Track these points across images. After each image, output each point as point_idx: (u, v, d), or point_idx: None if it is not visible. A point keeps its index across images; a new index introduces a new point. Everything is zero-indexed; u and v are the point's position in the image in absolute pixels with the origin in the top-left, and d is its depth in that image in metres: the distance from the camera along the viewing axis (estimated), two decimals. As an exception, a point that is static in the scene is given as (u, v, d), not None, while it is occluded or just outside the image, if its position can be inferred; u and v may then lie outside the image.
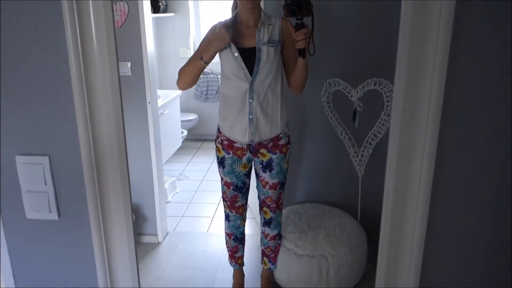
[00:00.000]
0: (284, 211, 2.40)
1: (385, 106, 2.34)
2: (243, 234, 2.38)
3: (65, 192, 1.10)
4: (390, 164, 1.00)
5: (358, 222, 2.65)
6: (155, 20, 4.77)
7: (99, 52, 0.98)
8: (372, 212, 2.64)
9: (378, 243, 1.08)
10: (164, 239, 3.08)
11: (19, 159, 1.06)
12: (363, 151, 2.52)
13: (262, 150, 2.08)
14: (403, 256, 1.05)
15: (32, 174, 1.06)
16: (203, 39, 2.00)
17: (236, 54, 1.90)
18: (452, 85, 0.92)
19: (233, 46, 1.91)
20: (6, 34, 0.99)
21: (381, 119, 2.39)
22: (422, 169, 0.97)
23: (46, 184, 1.07)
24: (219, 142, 2.12)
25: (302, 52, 1.87)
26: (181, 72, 1.99)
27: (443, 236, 1.03)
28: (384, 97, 2.31)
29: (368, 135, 2.47)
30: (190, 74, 1.98)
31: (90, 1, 0.95)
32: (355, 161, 2.58)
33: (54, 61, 1.00)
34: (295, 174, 2.81)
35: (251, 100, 1.96)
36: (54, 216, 1.10)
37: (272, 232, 2.31)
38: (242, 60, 1.91)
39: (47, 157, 1.06)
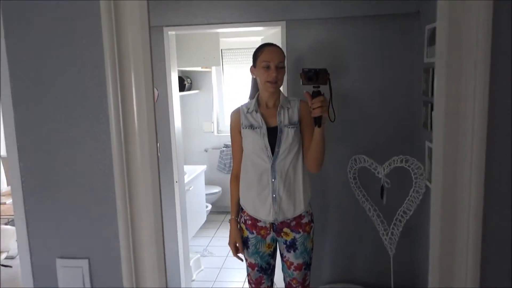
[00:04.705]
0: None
1: (413, 183, 2.31)
2: (270, 317, 2.29)
3: (102, 293, 1.09)
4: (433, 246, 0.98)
5: (393, 304, 2.52)
6: (180, 98, 4.97)
7: (142, 168, 1.02)
8: (408, 295, 2.53)
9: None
10: (190, 322, 2.98)
11: (59, 262, 1.07)
12: (393, 228, 2.46)
13: (285, 229, 2.06)
14: None
15: (71, 277, 1.07)
16: (230, 125, 2.14)
17: (264, 132, 1.98)
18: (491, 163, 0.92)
19: (264, 126, 1.99)
20: (56, 132, 1.05)
21: (410, 196, 2.36)
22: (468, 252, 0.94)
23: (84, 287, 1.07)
24: (242, 222, 2.12)
25: (318, 121, 1.86)
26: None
27: None
28: (412, 174, 2.29)
29: (398, 212, 2.42)
30: None
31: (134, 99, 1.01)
32: (385, 239, 2.51)
33: (97, 164, 1.05)
34: (321, 253, 2.74)
35: (273, 180, 1.99)
36: (90, 318, 1.10)
37: (300, 317, 2.21)
38: (267, 140, 1.98)
39: (86, 260, 1.07)
